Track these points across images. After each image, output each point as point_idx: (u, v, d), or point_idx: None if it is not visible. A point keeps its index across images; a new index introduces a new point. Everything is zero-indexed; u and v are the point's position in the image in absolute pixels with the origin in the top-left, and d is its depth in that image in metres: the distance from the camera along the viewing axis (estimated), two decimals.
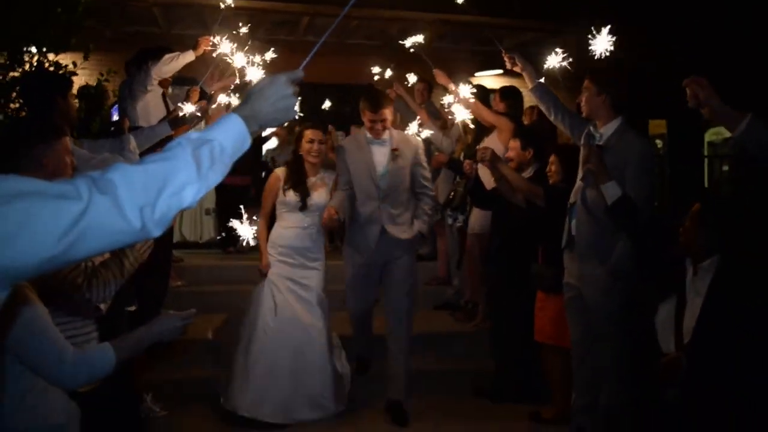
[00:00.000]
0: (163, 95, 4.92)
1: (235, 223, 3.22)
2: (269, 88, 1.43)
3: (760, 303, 2.15)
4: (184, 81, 6.37)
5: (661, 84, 8.60)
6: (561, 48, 3.67)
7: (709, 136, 11.64)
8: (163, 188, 1.22)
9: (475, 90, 5.04)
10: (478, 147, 4.49)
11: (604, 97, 3.48)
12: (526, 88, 4.26)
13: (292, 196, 4.21)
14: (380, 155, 4.18)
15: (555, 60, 3.67)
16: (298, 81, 1.46)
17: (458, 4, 4.24)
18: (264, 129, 1.48)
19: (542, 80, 3.86)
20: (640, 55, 8.68)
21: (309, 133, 4.25)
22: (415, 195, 4.29)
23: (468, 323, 5.40)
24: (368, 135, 4.23)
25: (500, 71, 8.35)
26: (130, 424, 3.30)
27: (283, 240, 4.25)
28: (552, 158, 4.11)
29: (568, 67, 3.66)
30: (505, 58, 3.90)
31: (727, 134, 9.66)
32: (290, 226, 4.25)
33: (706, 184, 10.94)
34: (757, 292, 2.42)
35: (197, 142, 1.31)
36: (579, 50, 3.64)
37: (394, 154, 4.09)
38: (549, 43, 3.57)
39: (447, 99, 4.71)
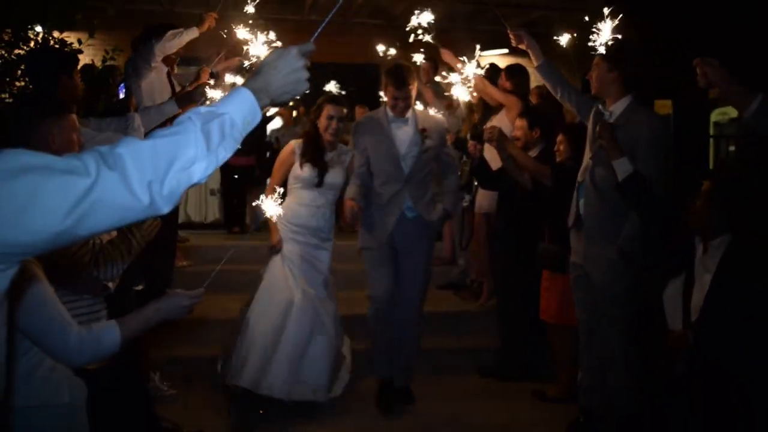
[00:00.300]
0: (169, 74, 4.88)
1: (261, 200, 3.09)
2: (280, 61, 1.41)
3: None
4: (190, 61, 6.33)
5: (667, 63, 8.58)
6: (568, 27, 3.64)
7: (715, 116, 11.56)
8: (172, 163, 1.20)
9: (484, 69, 5.02)
10: (485, 126, 4.46)
11: (615, 74, 3.43)
12: (532, 67, 4.23)
13: (308, 170, 3.99)
14: (403, 134, 3.98)
15: (565, 39, 3.65)
16: (310, 54, 1.44)
17: None
18: (275, 103, 1.45)
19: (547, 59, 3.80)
20: (647, 34, 8.63)
21: (329, 109, 4.00)
22: (440, 174, 4.16)
23: (474, 302, 5.41)
24: (390, 113, 4.01)
25: (506, 50, 8.27)
26: (137, 403, 3.33)
27: (297, 218, 4.05)
28: (560, 137, 4.09)
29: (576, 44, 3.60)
30: (511, 36, 3.81)
31: (734, 114, 9.64)
32: (304, 203, 4.05)
33: (711, 165, 10.89)
34: (766, 271, 2.41)
35: (207, 116, 1.28)
36: (586, 28, 3.60)
37: (424, 135, 3.91)
38: (556, 21, 3.51)
39: (452, 78, 4.66)
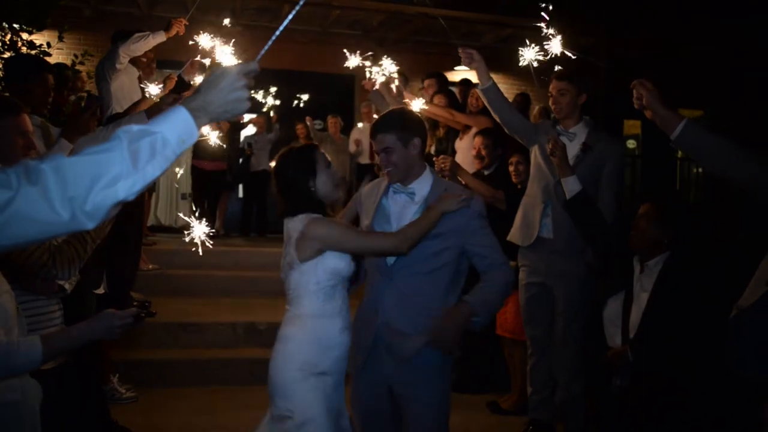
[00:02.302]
0: (139, 78, 4.90)
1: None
2: (221, 81, 1.40)
3: (702, 299, 2.26)
4: (168, 65, 6.36)
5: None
6: (538, 44, 3.64)
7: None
8: (96, 181, 1.21)
9: (443, 100, 5.16)
10: (435, 159, 4.51)
11: (584, 98, 3.56)
12: (506, 83, 4.33)
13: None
14: (398, 208, 2.55)
15: (530, 54, 3.54)
16: (253, 74, 1.44)
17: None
18: (215, 121, 1.46)
19: (493, 82, 3.69)
20: (616, 54, 8.85)
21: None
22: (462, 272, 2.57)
23: None
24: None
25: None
26: (92, 404, 3.35)
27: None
28: (515, 158, 4.18)
29: (540, 60, 3.57)
30: (462, 55, 3.55)
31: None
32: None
33: (677, 186, 11.15)
34: (701, 288, 2.54)
35: (138, 134, 1.29)
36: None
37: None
38: (529, 39, 3.53)
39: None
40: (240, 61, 2.66)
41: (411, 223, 2.35)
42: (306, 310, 2.34)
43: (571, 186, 3.17)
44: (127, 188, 1.25)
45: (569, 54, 3.35)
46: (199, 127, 1.37)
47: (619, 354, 2.80)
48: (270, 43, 1.56)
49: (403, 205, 2.53)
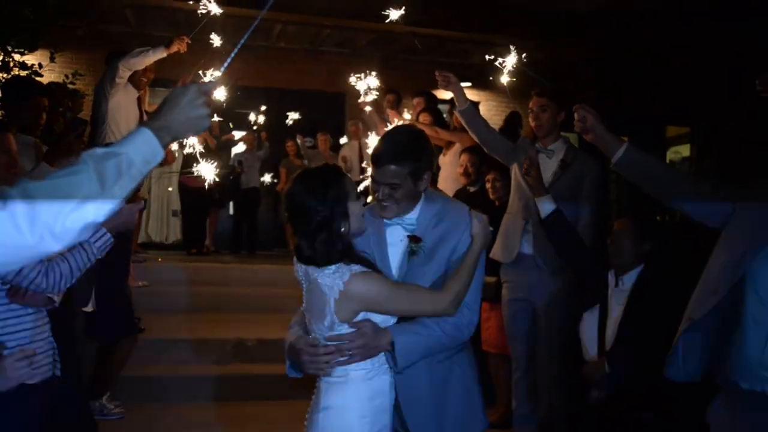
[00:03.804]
0: (139, 99, 4.92)
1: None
2: (180, 99, 1.43)
3: (675, 310, 2.33)
4: (166, 84, 6.40)
5: (622, 101, 8.94)
6: (524, 63, 3.69)
7: (670, 154, 11.98)
8: (64, 204, 1.23)
9: (428, 118, 5.27)
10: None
11: (563, 116, 3.63)
12: (495, 101, 4.40)
13: None
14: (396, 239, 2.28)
15: (510, 63, 3.66)
16: (210, 92, 1.49)
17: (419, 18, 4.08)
18: (177, 140, 1.49)
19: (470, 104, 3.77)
20: (601, 72, 9.00)
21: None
22: None
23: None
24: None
25: (469, 84, 8.54)
26: (81, 422, 3.36)
27: None
28: (492, 175, 4.27)
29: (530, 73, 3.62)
30: (438, 78, 3.67)
31: (686, 153, 10.02)
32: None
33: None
34: (674, 300, 2.61)
35: (103, 157, 1.31)
36: (544, 65, 3.68)
37: (413, 247, 2.19)
38: (513, 57, 3.60)
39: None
40: (223, 79, 2.74)
41: (456, 278, 2.04)
42: (354, 374, 2.03)
43: (546, 206, 3.23)
44: (95, 210, 1.27)
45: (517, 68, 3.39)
46: (163, 146, 1.40)
47: (596, 366, 2.86)
48: (231, 57, 1.62)
49: (401, 238, 2.21)
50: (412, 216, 2.20)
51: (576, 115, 2.31)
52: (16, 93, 3.35)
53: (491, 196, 4.30)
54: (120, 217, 2.47)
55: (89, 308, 3.69)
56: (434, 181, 5.24)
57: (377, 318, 2.02)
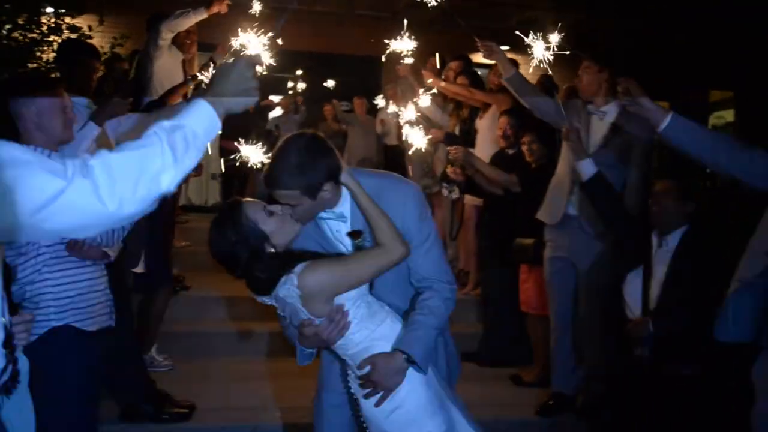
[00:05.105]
0: (184, 62, 4.97)
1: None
2: (231, 72, 1.50)
3: (719, 270, 2.36)
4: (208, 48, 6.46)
5: (664, 64, 8.74)
6: (561, 26, 3.64)
7: (713, 119, 11.71)
8: (141, 174, 1.30)
9: (465, 81, 5.24)
10: (448, 148, 4.57)
11: (606, 75, 3.58)
12: (527, 64, 4.29)
13: None
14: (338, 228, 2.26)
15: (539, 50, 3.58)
16: (259, 64, 1.56)
17: None
18: (229, 113, 1.50)
19: (517, 70, 3.74)
20: (641, 34, 8.79)
21: None
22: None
23: (460, 290, 5.59)
24: None
25: (506, 47, 8.44)
26: (134, 373, 3.54)
27: None
28: (528, 137, 4.25)
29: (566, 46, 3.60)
30: (481, 48, 3.63)
31: (730, 117, 9.81)
32: None
33: (706, 169, 11.06)
34: (718, 260, 2.63)
35: (171, 128, 1.37)
36: (581, 29, 3.63)
37: (356, 243, 2.19)
38: (554, 20, 3.55)
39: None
40: (264, 45, 2.78)
41: (376, 228, 2.04)
42: (361, 344, 2.09)
43: (586, 169, 3.23)
44: (169, 180, 1.34)
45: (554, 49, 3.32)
46: (219, 117, 1.46)
47: (640, 325, 2.90)
48: (281, 24, 1.65)
49: (337, 229, 2.21)
50: (342, 209, 2.16)
51: (619, 87, 2.33)
52: (69, 55, 3.46)
53: (527, 158, 4.31)
54: None
55: (139, 269, 3.85)
56: (471, 143, 5.24)
57: (351, 293, 2.04)
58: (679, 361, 2.77)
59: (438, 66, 6.22)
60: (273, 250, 2.02)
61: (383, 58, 4.24)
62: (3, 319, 1.64)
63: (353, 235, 2.16)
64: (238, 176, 8.01)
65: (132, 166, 1.30)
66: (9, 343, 1.59)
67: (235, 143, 2.59)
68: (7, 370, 1.64)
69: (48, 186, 1.21)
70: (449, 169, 4.70)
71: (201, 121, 1.42)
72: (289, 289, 1.98)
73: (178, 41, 4.79)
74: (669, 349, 2.80)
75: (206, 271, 5.63)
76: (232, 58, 1.54)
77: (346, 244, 2.21)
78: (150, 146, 1.33)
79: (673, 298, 2.80)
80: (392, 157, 7.80)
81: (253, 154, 2.79)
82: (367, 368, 2.07)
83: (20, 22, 3.90)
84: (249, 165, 2.72)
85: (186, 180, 5.52)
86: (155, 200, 1.34)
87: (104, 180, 1.26)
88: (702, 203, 2.95)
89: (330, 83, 7.93)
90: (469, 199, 5.40)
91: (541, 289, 4.12)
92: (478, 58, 7.71)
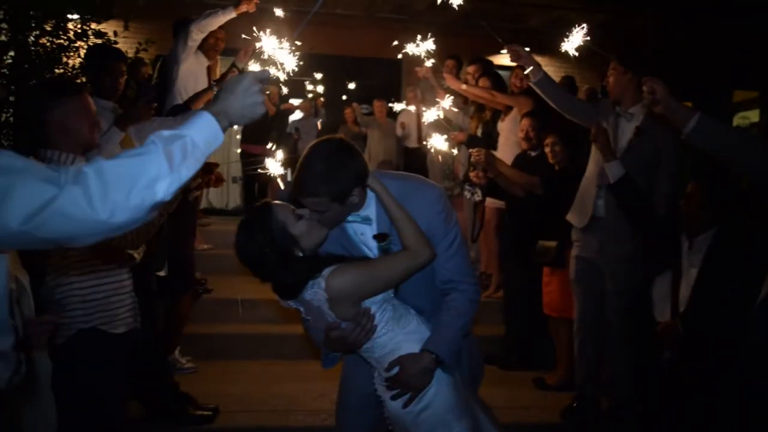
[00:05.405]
0: (209, 69, 4.99)
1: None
2: (236, 86, 1.51)
3: (751, 272, 2.32)
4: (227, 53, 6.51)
5: (688, 64, 8.64)
6: (586, 27, 3.61)
7: (738, 120, 11.55)
8: (136, 182, 1.29)
9: (487, 83, 5.23)
10: (470, 151, 4.55)
11: (630, 77, 3.53)
12: (551, 65, 4.34)
13: None
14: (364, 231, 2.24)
15: (578, 38, 3.43)
16: (266, 80, 1.54)
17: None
18: (234, 125, 1.55)
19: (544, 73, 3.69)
20: (667, 35, 8.70)
21: None
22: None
23: (482, 293, 5.57)
24: None
25: (527, 48, 8.41)
26: (158, 375, 3.57)
27: None
28: (551, 139, 4.22)
29: (592, 47, 3.58)
30: (509, 53, 3.64)
31: (755, 118, 9.66)
32: None
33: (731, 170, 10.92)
34: (750, 262, 2.59)
35: (170, 139, 1.37)
36: (606, 30, 3.61)
37: (382, 246, 2.17)
38: (576, 21, 3.52)
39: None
40: (284, 49, 2.79)
41: (402, 231, 2.05)
42: (388, 347, 2.10)
43: (614, 171, 3.20)
44: (164, 189, 1.33)
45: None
46: (222, 130, 1.47)
47: (670, 328, 2.86)
48: (302, 26, 1.64)
49: (362, 231, 2.20)
50: (367, 212, 2.15)
51: (645, 88, 2.29)
52: (97, 60, 3.50)
53: (551, 160, 4.28)
54: None
55: (162, 273, 3.88)
56: (493, 146, 5.23)
57: (378, 297, 2.04)
58: (710, 364, 2.73)
59: (453, 68, 6.21)
60: (300, 254, 2.02)
61: (401, 60, 4.19)
62: (12, 322, 1.66)
63: (379, 238, 2.15)
64: (258, 180, 8.07)
65: (126, 174, 1.29)
66: (21, 346, 1.60)
67: (258, 148, 2.60)
68: (20, 372, 1.64)
69: (40, 193, 1.22)
70: (472, 173, 4.69)
71: (202, 133, 1.42)
72: (316, 292, 1.98)
73: (205, 47, 4.81)
74: (699, 351, 2.76)
75: (228, 273, 5.71)
76: (243, 70, 1.55)
77: (370, 247, 2.20)
78: (146, 154, 1.33)
79: (705, 300, 2.76)
80: (412, 159, 7.80)
81: (275, 165, 2.82)
82: (395, 369, 2.07)
83: (48, 28, 3.96)
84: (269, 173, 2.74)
85: (207, 188, 5.59)
86: (151, 209, 1.33)
87: (97, 187, 1.26)
88: (732, 204, 2.89)
89: (350, 85, 7.95)
90: (490, 202, 5.38)
91: (564, 292, 4.09)
92: (498, 60, 7.71)
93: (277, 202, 2.09)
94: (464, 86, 5.44)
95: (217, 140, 1.45)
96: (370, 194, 2.13)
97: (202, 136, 1.41)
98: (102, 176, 1.27)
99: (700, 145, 2.27)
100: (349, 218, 2.15)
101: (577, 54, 3.35)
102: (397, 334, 2.09)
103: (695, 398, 2.81)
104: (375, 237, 2.16)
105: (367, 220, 2.15)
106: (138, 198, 1.28)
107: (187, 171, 1.36)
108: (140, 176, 1.29)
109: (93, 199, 1.24)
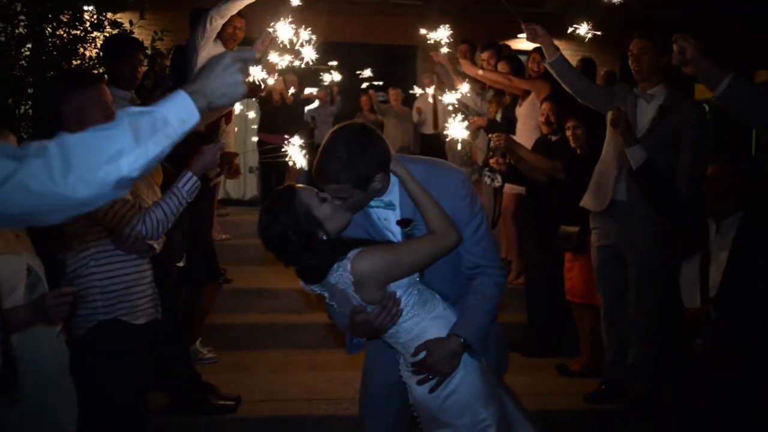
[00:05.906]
0: None
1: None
2: (216, 66, 1.46)
3: None
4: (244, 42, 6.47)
5: (708, 44, 8.46)
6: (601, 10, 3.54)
7: None
8: (98, 156, 1.26)
9: (506, 67, 5.17)
10: (490, 135, 4.50)
11: (666, 60, 3.38)
12: (569, 49, 4.25)
13: None
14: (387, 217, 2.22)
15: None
16: (250, 60, 1.49)
17: None
18: (214, 105, 1.47)
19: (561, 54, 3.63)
20: (685, 14, 8.53)
21: None
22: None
23: None
24: None
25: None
26: (181, 365, 3.58)
27: None
28: (572, 122, 4.15)
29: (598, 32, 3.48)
30: (526, 31, 3.58)
31: None
32: None
33: (753, 151, 10.71)
34: None
35: (138, 114, 1.34)
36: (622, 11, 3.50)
37: (406, 231, 2.13)
38: (591, 5, 3.44)
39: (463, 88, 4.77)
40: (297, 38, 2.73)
41: (428, 215, 2.03)
42: (413, 332, 2.08)
43: (636, 156, 3.13)
44: (129, 163, 1.29)
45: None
46: (199, 109, 1.41)
47: (701, 313, 2.80)
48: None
49: (385, 217, 2.17)
50: (391, 197, 2.13)
51: (674, 47, 2.19)
52: (115, 49, 3.49)
53: (572, 144, 4.21)
54: (203, 159, 2.56)
55: (182, 263, 3.88)
56: (512, 130, 5.16)
57: (403, 281, 2.02)
58: (745, 350, 2.67)
59: (467, 52, 6.13)
60: (323, 237, 2.00)
61: (417, 46, 4.14)
62: None
63: (403, 223, 2.12)
64: (275, 170, 8.05)
65: (88, 147, 1.27)
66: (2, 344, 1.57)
67: (275, 137, 2.57)
68: None
69: (1, 169, 1.21)
70: (491, 159, 4.64)
71: (175, 110, 1.38)
72: (341, 275, 1.96)
73: (223, 36, 4.77)
74: (734, 337, 2.69)
75: (247, 263, 5.73)
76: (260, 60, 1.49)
77: (394, 232, 2.16)
78: (110, 128, 1.31)
79: (737, 285, 2.69)
80: (429, 145, 7.74)
81: (296, 154, 2.79)
82: (422, 354, 2.04)
83: (64, 19, 3.95)
84: (287, 160, 2.70)
85: (223, 177, 5.58)
86: (117, 185, 1.30)
87: (58, 159, 1.24)
88: (759, 185, 2.81)
89: (366, 72, 7.89)
90: (508, 188, 5.33)
91: (586, 278, 4.03)
92: (514, 44, 7.61)
93: (300, 185, 2.07)
94: (480, 71, 5.38)
95: (192, 118, 1.39)
96: (393, 179, 2.10)
97: (175, 113, 1.37)
98: (64, 149, 1.25)
99: (731, 109, 2.17)
100: (372, 203, 2.12)
101: (590, 35, 3.29)
102: (423, 318, 2.06)
103: (731, 384, 2.75)
104: (398, 222, 2.13)
105: (390, 206, 2.12)
106: (101, 172, 1.26)
107: (155, 146, 1.32)
108: (103, 150, 1.27)
109: (53, 172, 1.22)
